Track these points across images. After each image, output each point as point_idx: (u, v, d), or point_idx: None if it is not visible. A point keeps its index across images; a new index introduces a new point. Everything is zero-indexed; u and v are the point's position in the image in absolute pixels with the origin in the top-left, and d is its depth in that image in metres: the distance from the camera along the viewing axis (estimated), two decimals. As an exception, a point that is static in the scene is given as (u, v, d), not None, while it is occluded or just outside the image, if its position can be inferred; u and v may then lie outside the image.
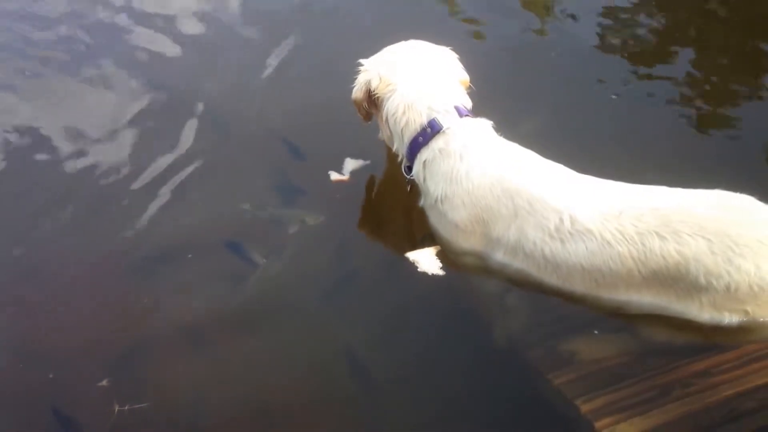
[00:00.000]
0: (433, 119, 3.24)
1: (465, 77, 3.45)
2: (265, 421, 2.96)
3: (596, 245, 2.93)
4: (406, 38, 3.50)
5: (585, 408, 2.80)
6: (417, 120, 3.27)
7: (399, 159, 3.45)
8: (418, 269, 3.29)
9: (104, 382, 3.03)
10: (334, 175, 3.80)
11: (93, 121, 4.20)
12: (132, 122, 4.19)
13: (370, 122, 3.57)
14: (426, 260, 3.32)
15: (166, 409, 2.98)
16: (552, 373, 2.92)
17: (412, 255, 3.35)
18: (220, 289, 3.38)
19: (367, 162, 3.85)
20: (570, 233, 2.96)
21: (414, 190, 3.44)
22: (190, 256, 3.50)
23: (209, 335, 3.22)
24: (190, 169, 3.90)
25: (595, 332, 3.04)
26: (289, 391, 3.04)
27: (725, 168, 3.60)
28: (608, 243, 2.91)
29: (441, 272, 3.28)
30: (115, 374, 3.06)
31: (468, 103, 3.36)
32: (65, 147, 4.06)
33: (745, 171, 3.54)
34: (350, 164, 3.84)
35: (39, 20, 4.96)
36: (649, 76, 4.45)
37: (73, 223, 3.67)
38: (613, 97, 4.23)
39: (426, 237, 3.40)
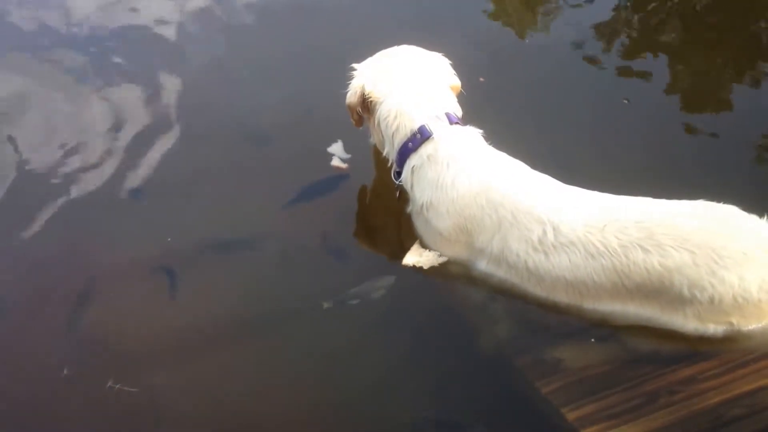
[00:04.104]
0: (423, 125, 3.24)
1: (456, 83, 3.44)
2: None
3: (579, 258, 2.93)
4: (396, 43, 3.49)
5: (572, 416, 2.81)
6: (408, 125, 3.27)
7: (389, 164, 3.45)
8: (424, 269, 3.28)
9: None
10: (335, 161, 3.86)
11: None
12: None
13: (361, 127, 3.56)
14: (423, 258, 3.31)
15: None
16: (540, 381, 2.93)
17: (410, 260, 3.33)
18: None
19: (340, 141, 3.92)
20: (553, 245, 2.96)
21: (403, 197, 3.43)
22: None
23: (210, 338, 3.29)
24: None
25: (592, 340, 3.04)
26: (280, 397, 3.10)
27: (708, 178, 3.57)
28: (591, 255, 2.91)
29: (444, 258, 3.27)
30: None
31: (458, 111, 3.35)
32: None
33: (729, 180, 3.51)
34: (336, 150, 3.90)
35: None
36: (632, 82, 4.40)
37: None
38: (625, 102, 4.18)
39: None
